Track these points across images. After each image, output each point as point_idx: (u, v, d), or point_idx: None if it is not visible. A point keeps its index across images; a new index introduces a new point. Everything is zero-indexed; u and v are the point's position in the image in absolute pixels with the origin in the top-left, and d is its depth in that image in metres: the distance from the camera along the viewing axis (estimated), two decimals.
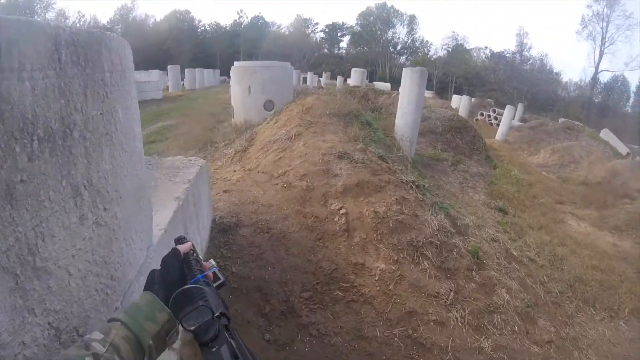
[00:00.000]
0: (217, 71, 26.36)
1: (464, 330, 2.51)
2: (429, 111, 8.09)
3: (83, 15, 45.49)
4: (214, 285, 0.67)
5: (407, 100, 5.50)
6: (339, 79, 16.03)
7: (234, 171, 4.29)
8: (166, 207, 1.64)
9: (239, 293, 2.24)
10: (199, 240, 2.16)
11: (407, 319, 2.46)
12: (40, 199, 0.62)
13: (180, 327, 0.57)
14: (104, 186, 0.86)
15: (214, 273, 0.70)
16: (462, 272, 2.90)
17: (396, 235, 2.91)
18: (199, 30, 45.47)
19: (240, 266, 2.40)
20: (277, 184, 3.38)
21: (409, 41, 50.04)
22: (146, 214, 1.19)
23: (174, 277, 0.67)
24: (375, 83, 11.66)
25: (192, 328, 0.50)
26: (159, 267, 0.73)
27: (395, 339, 2.35)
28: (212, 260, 0.74)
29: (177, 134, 7.85)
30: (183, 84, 20.71)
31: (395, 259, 2.75)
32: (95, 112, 0.81)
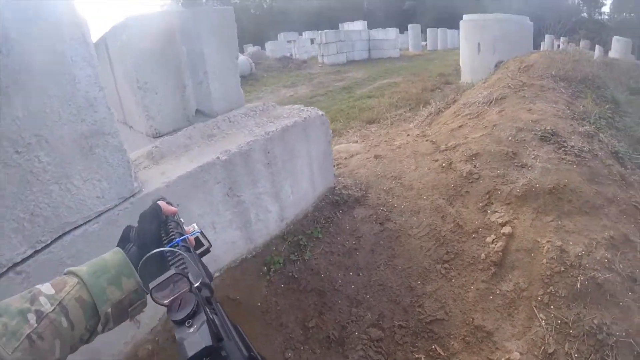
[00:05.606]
0: None
1: None
2: None
3: None
4: (197, 252, 0.58)
5: None
6: (597, 48, 12.27)
7: (408, 135, 3.78)
8: (195, 161, 1.56)
9: (294, 286, 1.79)
10: (275, 209, 1.89)
11: None
12: None
13: (149, 299, 0.49)
14: (15, 131, 0.94)
15: (196, 238, 0.61)
16: None
17: (579, 307, 1.66)
18: None
19: (319, 255, 1.91)
20: (436, 159, 2.71)
21: None
22: (109, 162, 1.21)
23: (151, 237, 0.57)
24: None
25: (166, 302, 0.41)
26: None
27: None
28: (195, 224, 0.64)
29: (394, 91, 7.82)
30: (425, 44, 20.35)
31: (551, 351, 1.55)
32: None
